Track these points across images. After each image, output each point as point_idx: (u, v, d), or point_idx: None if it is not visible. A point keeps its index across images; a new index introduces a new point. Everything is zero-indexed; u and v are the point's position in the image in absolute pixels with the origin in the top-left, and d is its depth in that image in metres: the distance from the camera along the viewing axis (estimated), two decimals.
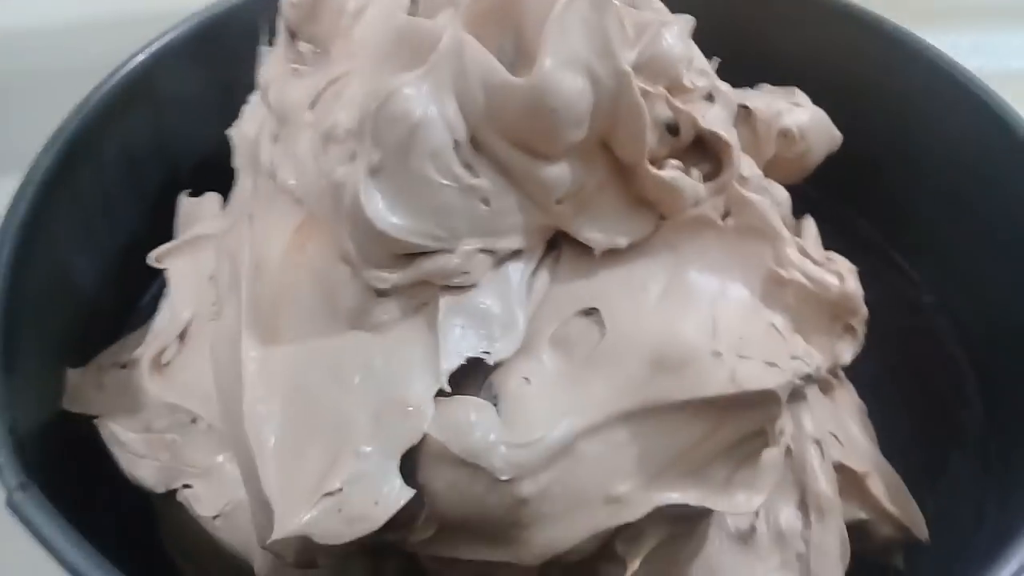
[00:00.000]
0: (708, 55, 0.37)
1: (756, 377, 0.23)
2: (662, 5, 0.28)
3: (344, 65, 0.24)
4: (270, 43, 0.37)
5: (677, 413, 0.23)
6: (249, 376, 0.23)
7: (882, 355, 0.36)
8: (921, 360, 0.37)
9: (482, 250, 0.24)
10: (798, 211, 0.35)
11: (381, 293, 0.24)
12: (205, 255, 0.30)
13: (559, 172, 0.24)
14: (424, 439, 0.22)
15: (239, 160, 0.34)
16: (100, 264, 0.34)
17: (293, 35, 0.27)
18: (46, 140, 0.31)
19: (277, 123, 0.26)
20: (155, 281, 0.36)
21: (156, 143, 0.37)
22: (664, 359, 0.24)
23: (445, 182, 0.23)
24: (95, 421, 0.29)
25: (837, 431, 0.30)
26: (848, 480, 0.29)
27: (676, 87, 0.26)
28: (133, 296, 0.36)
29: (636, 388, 0.24)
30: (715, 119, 0.27)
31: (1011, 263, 0.34)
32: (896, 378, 0.36)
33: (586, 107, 0.23)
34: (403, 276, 0.23)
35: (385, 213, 0.22)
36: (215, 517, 0.27)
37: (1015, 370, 0.34)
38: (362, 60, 0.24)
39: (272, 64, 0.27)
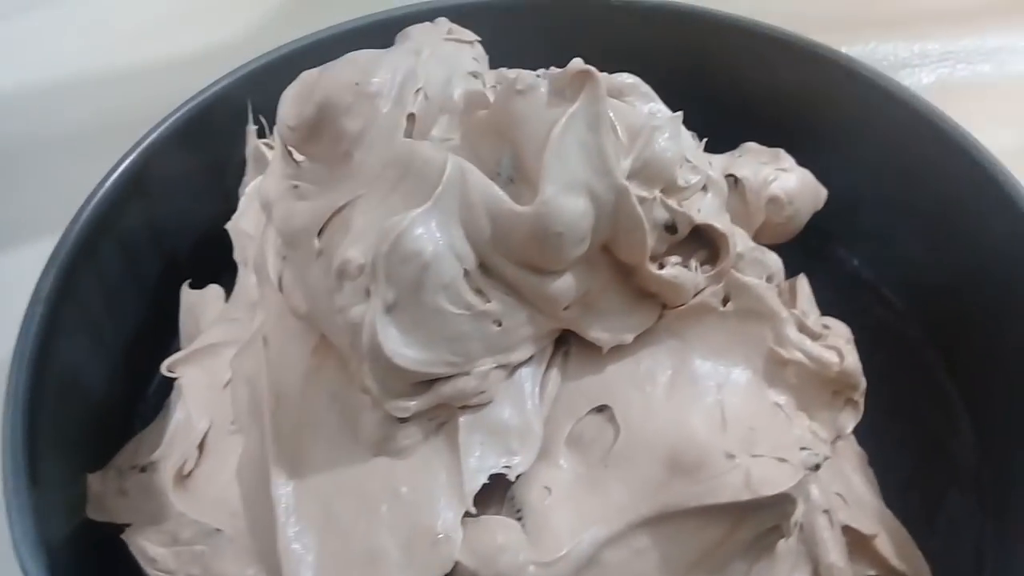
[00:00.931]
0: (691, 107, 0.38)
1: (770, 481, 0.24)
2: (648, 89, 0.29)
3: (348, 191, 0.25)
4: (256, 122, 0.37)
5: (696, 518, 0.24)
6: (282, 512, 0.24)
7: (877, 395, 0.37)
8: (913, 396, 0.38)
9: (496, 367, 0.25)
10: (783, 247, 0.36)
11: (402, 419, 0.24)
12: (218, 363, 0.30)
13: (565, 284, 0.25)
14: (456, 567, 0.23)
15: (239, 255, 0.34)
16: (108, 363, 0.35)
17: (294, 151, 0.27)
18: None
19: (284, 244, 0.26)
20: (160, 373, 0.36)
21: (152, 235, 0.37)
22: (679, 461, 0.25)
23: (458, 311, 0.24)
24: (123, 536, 0.29)
25: (843, 490, 0.31)
26: (856, 541, 0.30)
27: (671, 187, 0.26)
28: (141, 387, 0.37)
29: (653, 492, 0.24)
30: (709, 210, 0.27)
31: (992, 298, 0.35)
32: (893, 419, 0.37)
33: (588, 225, 0.24)
34: (422, 402, 0.24)
35: (402, 348, 0.23)
36: None
37: (1002, 399, 0.35)
38: (366, 187, 0.24)
39: (272, 179, 0.27)
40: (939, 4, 0.58)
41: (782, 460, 0.25)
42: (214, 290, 0.35)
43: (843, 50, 0.54)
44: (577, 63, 0.24)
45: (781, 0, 0.56)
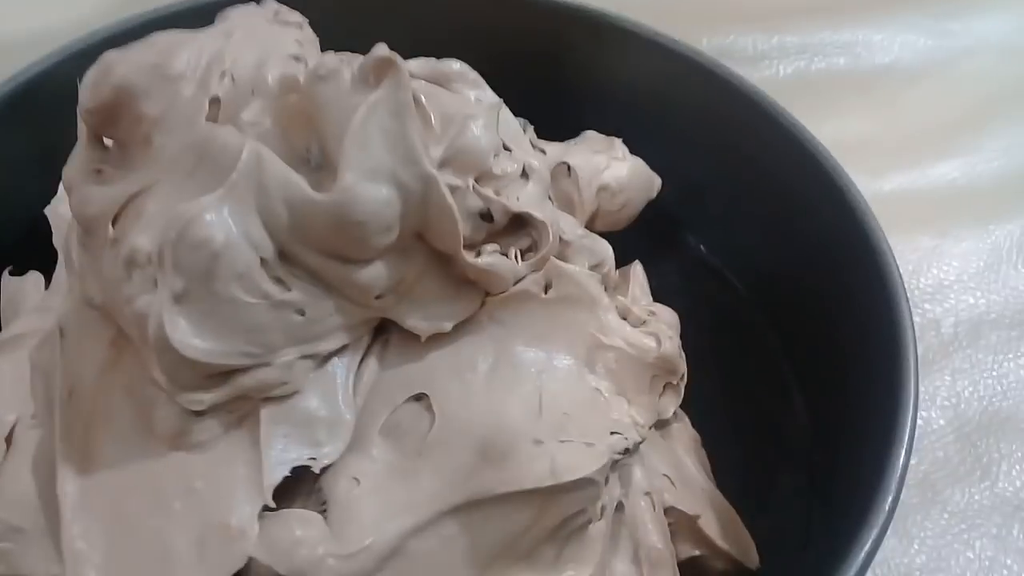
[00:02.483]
0: (539, 96, 0.38)
1: (574, 466, 0.24)
2: (477, 76, 0.29)
3: (144, 178, 0.24)
4: None
5: (503, 504, 0.24)
6: (67, 510, 0.23)
7: (717, 378, 0.38)
8: (751, 379, 0.39)
9: (302, 357, 0.24)
10: (635, 233, 0.37)
11: (199, 413, 0.23)
12: (26, 354, 0.29)
13: (374, 272, 0.25)
14: (250, 562, 0.22)
15: (58, 240, 0.33)
16: None
17: (96, 134, 0.26)
18: None
19: (81, 231, 0.25)
20: None
21: None
22: (489, 449, 0.25)
23: (254, 301, 0.23)
24: None
25: (671, 471, 0.31)
26: (682, 522, 0.30)
27: (486, 175, 0.26)
28: None
29: (463, 480, 0.24)
30: (529, 198, 0.27)
31: (822, 281, 0.36)
32: (730, 401, 0.38)
33: (393, 214, 0.24)
34: (219, 395, 0.23)
35: (192, 339, 0.22)
36: None
37: (835, 383, 0.36)
38: (161, 174, 0.24)
39: (74, 163, 0.26)
40: None
41: (590, 445, 0.25)
42: (33, 277, 0.33)
43: (703, 42, 0.55)
44: (381, 49, 0.24)
45: None
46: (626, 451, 0.26)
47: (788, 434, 0.37)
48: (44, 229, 0.35)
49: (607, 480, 0.25)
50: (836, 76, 0.57)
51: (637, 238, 0.37)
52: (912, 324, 0.32)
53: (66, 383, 0.24)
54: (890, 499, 0.27)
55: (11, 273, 0.34)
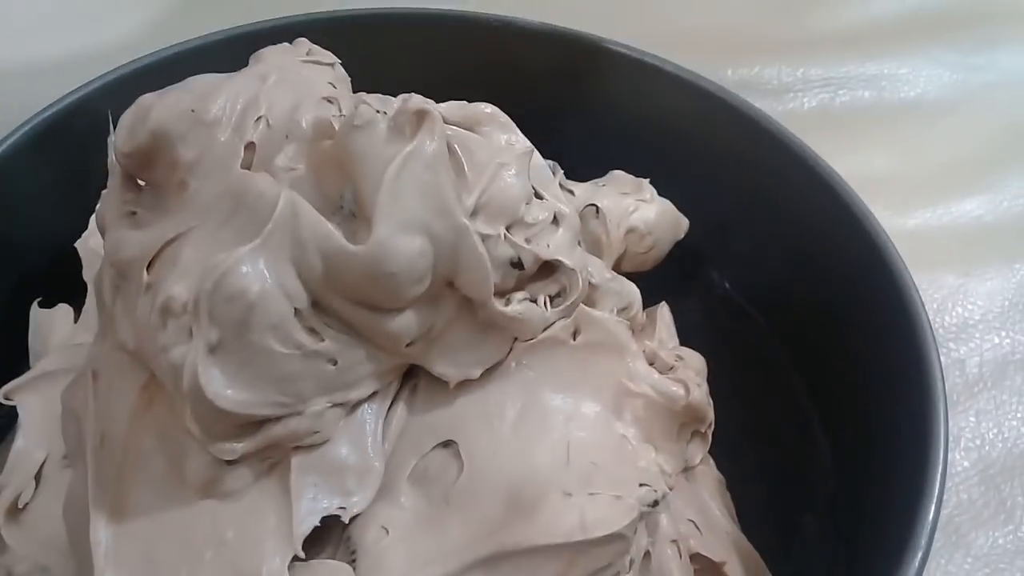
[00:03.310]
0: (566, 130, 0.38)
1: (604, 521, 0.24)
2: (507, 120, 0.29)
3: (181, 222, 0.24)
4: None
5: (531, 557, 0.24)
6: (100, 557, 0.23)
7: (741, 417, 0.38)
8: (776, 419, 0.39)
9: (332, 405, 0.24)
10: (660, 269, 0.37)
11: (230, 462, 0.24)
12: (57, 391, 0.29)
13: (405, 321, 0.25)
14: None
15: (88, 274, 0.33)
16: None
17: (130, 176, 0.27)
18: None
19: (116, 274, 0.25)
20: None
21: (5, 247, 0.36)
22: (518, 500, 0.25)
23: (287, 351, 0.23)
24: None
25: (696, 516, 0.31)
26: (707, 569, 0.30)
27: (517, 223, 0.26)
28: None
29: (491, 532, 0.24)
30: (559, 245, 0.27)
31: (846, 321, 0.36)
32: (754, 441, 0.38)
33: (426, 265, 0.24)
34: (251, 444, 0.23)
35: (225, 390, 0.22)
36: None
37: (860, 425, 0.36)
38: (198, 219, 0.24)
39: (108, 204, 0.26)
40: (822, 31, 0.60)
41: (619, 497, 0.25)
42: (63, 310, 0.34)
43: (728, 74, 0.56)
44: (415, 100, 0.24)
45: (667, 24, 0.57)
46: (654, 503, 0.26)
47: (812, 476, 0.37)
48: (73, 259, 0.36)
49: (635, 531, 0.25)
50: (860, 109, 0.57)
51: (661, 274, 0.37)
52: (940, 365, 0.32)
53: (98, 428, 0.24)
54: (920, 556, 0.27)
55: (40, 304, 0.35)
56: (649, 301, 0.35)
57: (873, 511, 0.34)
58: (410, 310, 0.25)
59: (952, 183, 0.52)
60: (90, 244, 0.33)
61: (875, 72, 0.58)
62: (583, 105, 0.42)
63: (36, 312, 0.34)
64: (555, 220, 0.28)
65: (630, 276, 0.32)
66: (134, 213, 0.26)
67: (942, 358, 0.44)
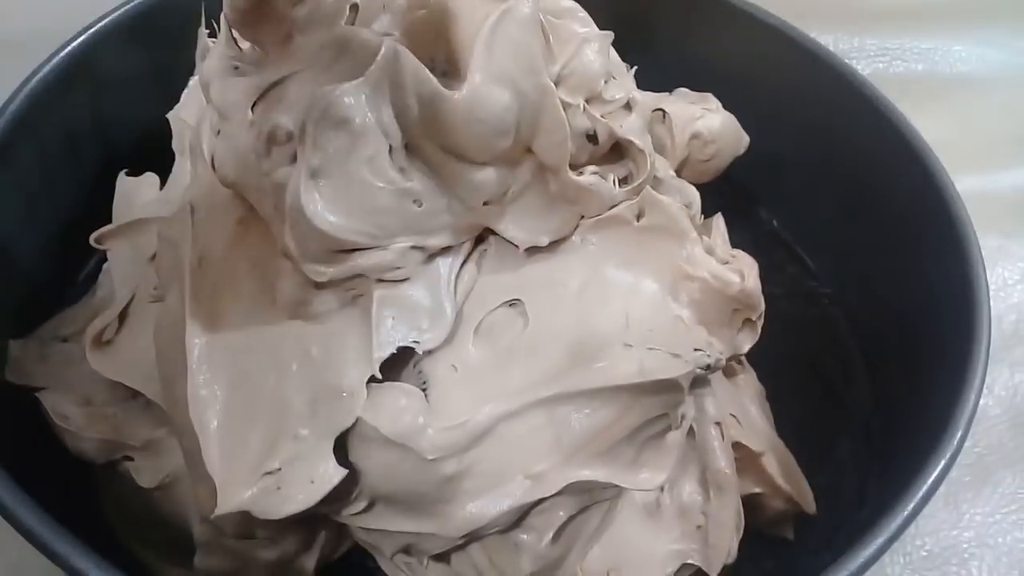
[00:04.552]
0: (629, 61, 0.39)
1: (661, 367, 0.25)
2: (586, 15, 0.30)
3: (286, 68, 0.26)
4: (208, 26, 0.38)
5: (590, 399, 0.26)
6: (194, 362, 0.24)
7: (782, 343, 0.39)
8: (817, 348, 0.40)
9: (414, 247, 0.26)
10: (712, 206, 0.38)
11: (319, 285, 0.25)
12: (145, 238, 0.31)
13: (487, 176, 0.26)
14: (357, 422, 0.24)
15: (178, 144, 0.35)
16: (41, 240, 0.35)
17: (234, 34, 0.28)
18: None
19: (218, 118, 0.27)
20: (93, 257, 0.37)
21: (96, 123, 0.38)
22: (581, 350, 0.26)
23: (380, 184, 0.25)
24: (38, 394, 0.30)
25: (737, 412, 0.32)
26: (745, 458, 0.31)
27: (595, 98, 0.28)
28: (73, 271, 0.37)
29: (553, 377, 0.26)
30: (631, 128, 0.29)
31: (897, 260, 0.37)
32: (794, 365, 0.39)
33: (512, 119, 0.25)
34: (339, 270, 0.25)
35: (324, 213, 0.24)
36: (155, 489, 0.28)
37: (898, 357, 0.37)
38: (303, 65, 0.25)
39: (213, 59, 0.28)
40: (881, 5, 0.61)
41: (676, 355, 0.26)
42: (150, 177, 0.35)
43: None
44: None
45: None
46: (708, 367, 0.27)
47: (849, 402, 0.38)
48: (160, 138, 0.37)
49: (688, 385, 0.27)
50: (913, 80, 0.58)
51: (710, 210, 0.38)
52: (988, 301, 0.32)
53: (196, 252, 0.26)
54: (949, 455, 0.28)
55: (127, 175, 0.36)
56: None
57: (905, 433, 0.35)
58: (491, 167, 0.26)
59: (998, 154, 0.53)
60: (181, 115, 0.35)
61: (929, 46, 0.59)
62: (644, 39, 0.43)
63: (123, 180, 0.36)
64: (628, 105, 0.29)
65: None
66: (237, 68, 0.28)
67: None
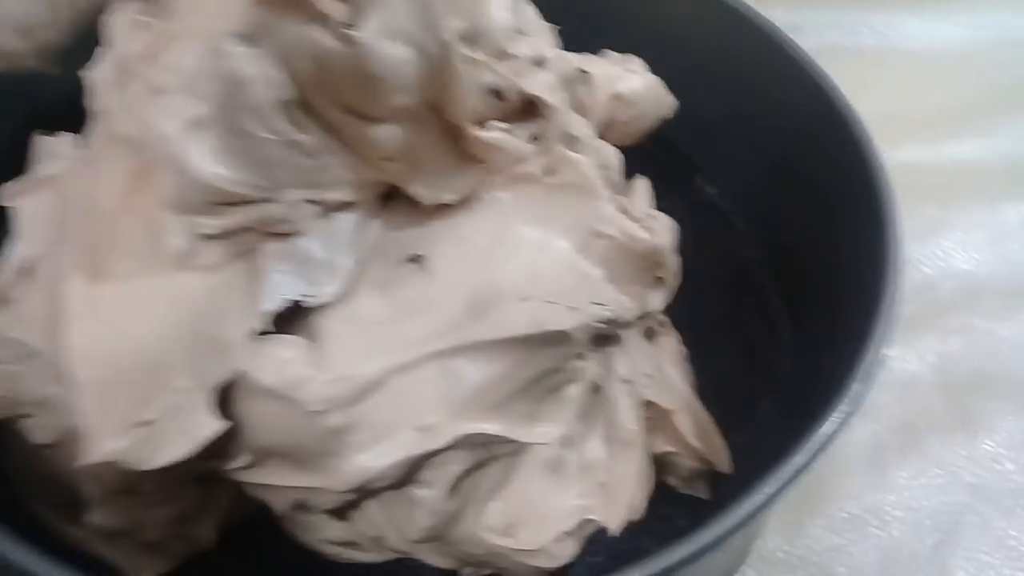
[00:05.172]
0: (558, 19, 0.39)
1: (554, 319, 0.25)
2: None
3: (182, 21, 0.25)
4: None
5: (483, 352, 0.25)
6: (71, 311, 0.24)
7: (711, 306, 0.40)
8: (746, 314, 0.40)
9: (308, 200, 0.26)
10: (649, 171, 0.38)
11: (206, 238, 0.25)
12: (54, 195, 0.30)
13: (388, 133, 0.26)
14: (239, 374, 0.24)
15: (93, 102, 0.35)
16: None
17: None
18: None
19: (118, 72, 0.27)
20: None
21: (11, 82, 0.37)
22: (478, 304, 0.26)
23: (269, 136, 0.24)
24: None
25: (653, 372, 0.32)
26: (657, 416, 0.31)
27: (502, 55, 0.27)
28: None
29: (449, 329, 0.26)
30: (541, 84, 0.29)
31: (823, 228, 0.37)
32: (721, 327, 0.39)
33: (411, 74, 0.25)
34: (226, 222, 0.25)
35: (208, 164, 0.24)
36: (49, 446, 0.28)
37: (822, 318, 0.37)
38: (197, 17, 0.25)
39: (118, 16, 0.28)
40: None
41: (573, 309, 0.26)
42: (66, 137, 0.35)
43: None
44: None
45: None
46: (608, 321, 0.27)
47: (774, 366, 0.38)
48: (78, 99, 0.37)
49: (586, 354, 0.27)
50: (864, 55, 0.58)
51: (650, 176, 0.38)
52: (903, 270, 0.32)
53: (84, 204, 0.26)
54: (846, 402, 0.28)
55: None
56: None
57: (825, 398, 0.35)
58: (394, 123, 0.26)
59: (945, 126, 0.54)
60: (97, 73, 0.34)
61: (884, 21, 0.59)
62: (577, 6, 0.43)
63: (39, 140, 0.35)
64: (539, 62, 0.29)
65: None
66: (141, 21, 0.28)
67: (917, 278, 0.45)
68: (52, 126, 0.36)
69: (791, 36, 0.57)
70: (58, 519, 0.29)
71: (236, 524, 0.30)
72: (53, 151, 0.34)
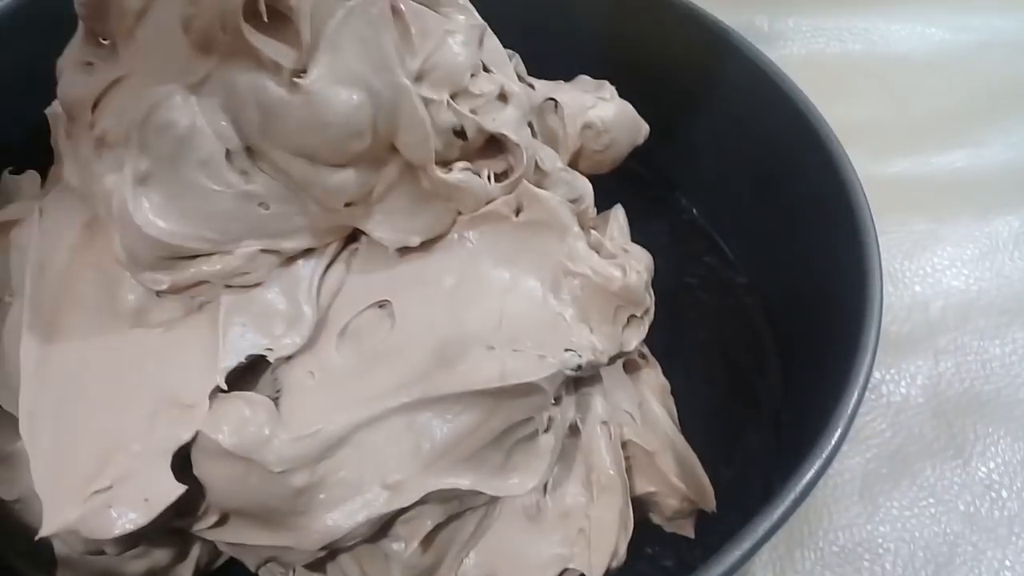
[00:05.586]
0: (534, 42, 0.38)
1: (524, 371, 0.25)
2: (466, 1, 0.29)
3: (125, 67, 0.25)
4: None
5: (451, 404, 0.25)
6: (27, 375, 0.23)
7: (698, 332, 0.39)
8: (731, 338, 0.39)
9: (264, 251, 0.25)
10: (631, 193, 0.37)
11: (161, 293, 0.24)
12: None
13: (344, 178, 0.25)
14: (199, 436, 0.23)
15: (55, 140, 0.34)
16: None
17: (90, 29, 0.27)
18: None
19: (66, 117, 0.26)
20: None
21: None
22: (444, 352, 0.25)
23: (217, 188, 0.24)
24: None
25: (634, 410, 0.32)
26: (639, 457, 0.31)
27: (462, 92, 0.27)
28: None
29: (415, 381, 0.25)
30: (506, 121, 0.28)
31: (805, 249, 0.37)
32: (708, 355, 0.38)
33: (364, 119, 0.24)
34: (179, 277, 0.24)
35: (154, 219, 0.23)
36: (15, 501, 0.27)
37: (810, 346, 0.36)
38: (141, 64, 0.24)
39: (68, 53, 0.27)
40: None
41: (542, 357, 0.25)
42: (32, 176, 0.34)
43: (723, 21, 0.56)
44: None
45: None
46: (579, 368, 0.26)
47: (760, 393, 0.38)
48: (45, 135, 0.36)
49: (560, 399, 0.26)
50: (850, 60, 0.57)
51: (631, 198, 0.37)
52: (881, 296, 0.32)
53: (39, 258, 0.25)
54: (834, 439, 0.27)
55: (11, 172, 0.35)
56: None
57: (813, 431, 0.34)
58: (351, 168, 0.25)
59: (934, 135, 0.52)
60: (58, 110, 0.33)
61: (868, 26, 0.58)
62: (554, 17, 0.42)
63: (4, 178, 0.35)
64: (503, 97, 0.28)
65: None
66: (90, 64, 0.27)
67: (906, 299, 0.45)
68: (21, 162, 0.36)
69: (776, 45, 0.57)
70: (32, 569, 0.28)
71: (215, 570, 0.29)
72: (18, 191, 0.33)
